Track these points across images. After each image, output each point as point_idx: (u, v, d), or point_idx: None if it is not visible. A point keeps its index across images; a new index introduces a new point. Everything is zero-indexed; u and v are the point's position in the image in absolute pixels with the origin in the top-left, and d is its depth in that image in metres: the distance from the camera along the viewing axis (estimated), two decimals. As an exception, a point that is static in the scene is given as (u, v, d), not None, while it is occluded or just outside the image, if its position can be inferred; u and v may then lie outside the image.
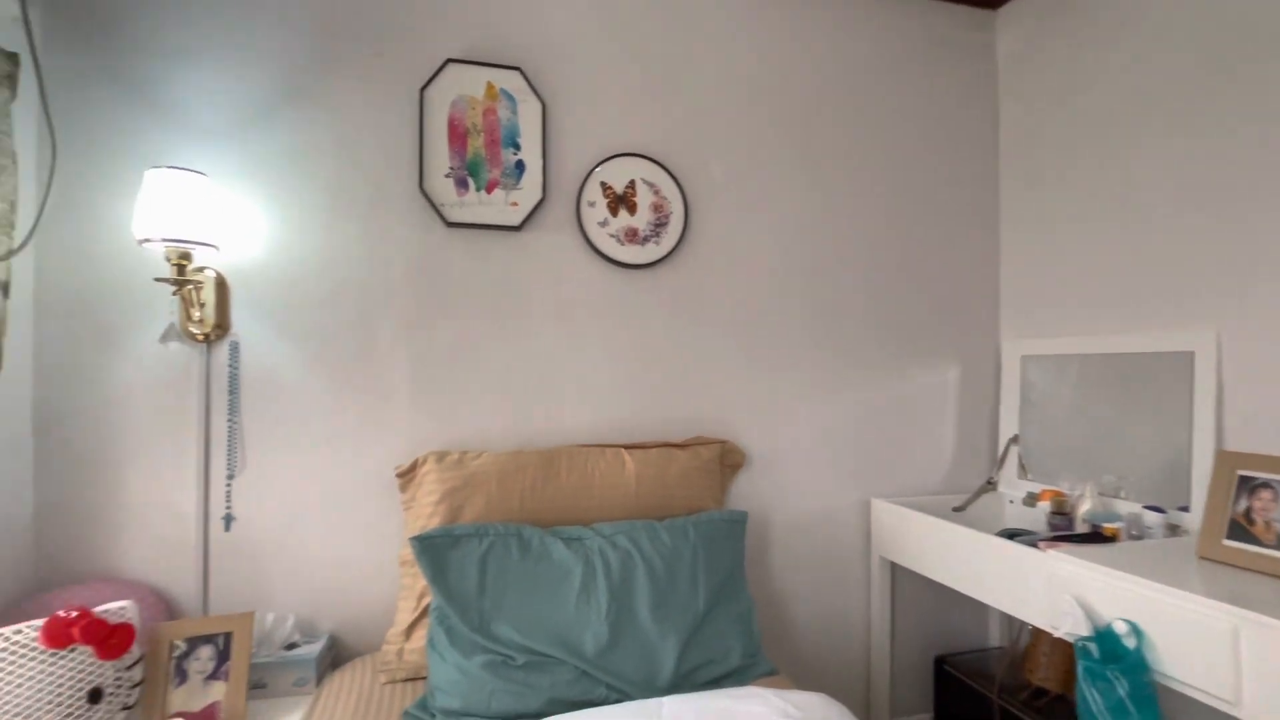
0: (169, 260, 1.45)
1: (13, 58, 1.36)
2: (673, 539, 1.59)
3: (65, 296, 1.53)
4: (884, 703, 2.04)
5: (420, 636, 1.50)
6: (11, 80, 1.36)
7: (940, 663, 2.09)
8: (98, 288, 1.54)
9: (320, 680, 1.53)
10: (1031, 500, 1.93)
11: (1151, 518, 1.60)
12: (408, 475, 1.64)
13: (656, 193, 1.89)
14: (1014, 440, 2.09)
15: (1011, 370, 2.16)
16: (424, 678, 1.46)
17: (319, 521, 1.66)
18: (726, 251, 1.97)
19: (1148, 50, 1.76)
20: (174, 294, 1.51)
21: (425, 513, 1.57)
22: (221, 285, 1.60)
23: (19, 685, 1.16)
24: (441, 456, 1.63)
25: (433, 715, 1.32)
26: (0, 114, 1.34)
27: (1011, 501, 2.05)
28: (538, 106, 1.79)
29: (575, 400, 1.84)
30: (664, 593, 1.51)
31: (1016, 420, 2.13)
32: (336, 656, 1.65)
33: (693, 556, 1.58)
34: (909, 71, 2.15)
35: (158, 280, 1.46)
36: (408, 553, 1.56)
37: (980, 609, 2.20)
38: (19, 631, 1.19)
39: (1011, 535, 1.69)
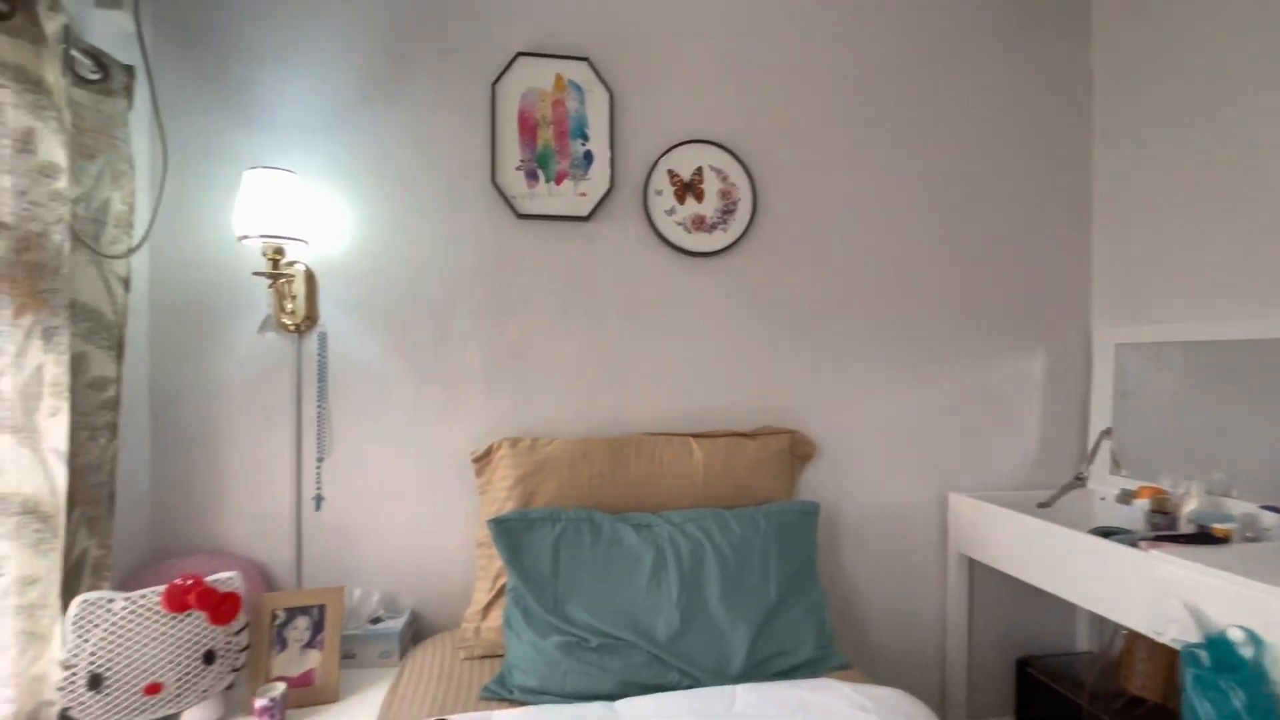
0: (265, 255, 1.54)
1: (129, 70, 1.47)
2: (743, 528, 1.58)
3: (175, 290, 1.65)
4: (961, 704, 1.97)
5: (496, 616, 1.55)
6: (128, 91, 1.47)
7: (1023, 665, 2.00)
8: (203, 282, 1.65)
9: (403, 654, 1.61)
10: (1127, 498, 1.80)
11: (1270, 518, 1.47)
12: (483, 460, 1.70)
13: (724, 179, 1.86)
14: (1106, 433, 1.96)
15: (1104, 359, 2.03)
16: (500, 656, 1.51)
17: (400, 503, 1.74)
18: (796, 237, 1.93)
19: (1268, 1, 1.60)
20: (269, 287, 1.61)
21: (500, 496, 1.62)
22: (310, 278, 1.69)
23: (145, 645, 1.27)
24: (515, 443, 1.67)
25: (510, 692, 1.37)
26: (119, 123, 1.45)
27: (1103, 499, 1.93)
28: (605, 96, 1.80)
29: (643, 388, 1.85)
30: (734, 581, 1.50)
31: (1109, 413, 1.99)
32: (417, 632, 1.73)
33: (764, 546, 1.56)
34: (992, 42, 2.03)
35: (255, 274, 1.56)
36: (484, 534, 1.62)
37: (1066, 611, 2.08)
38: (144, 596, 1.30)
39: (1106, 534, 1.59)
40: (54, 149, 1.21)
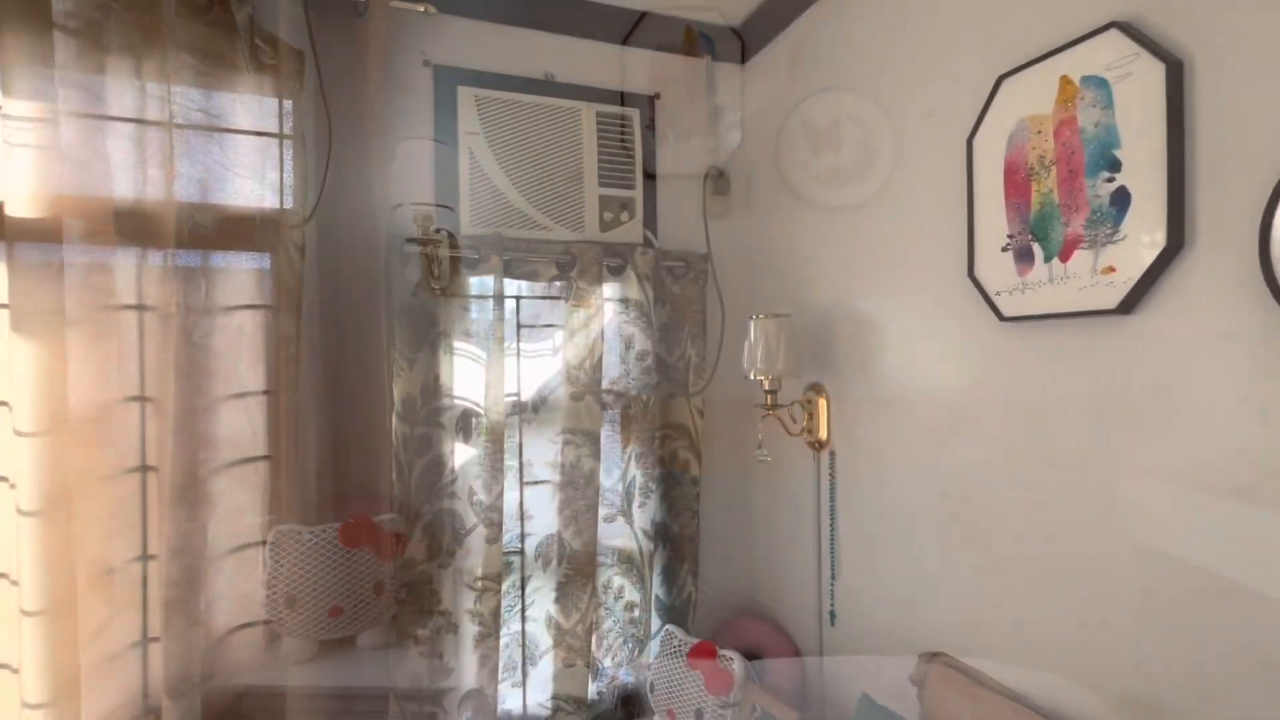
0: (415, 222, 1.64)
1: (300, 55, 1.60)
2: None
3: (339, 256, 1.79)
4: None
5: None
6: (299, 74, 1.60)
7: None
8: (363, 248, 1.79)
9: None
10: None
11: None
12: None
13: None
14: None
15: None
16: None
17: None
18: None
19: None
20: (420, 252, 1.71)
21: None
22: (453, 244, 1.78)
23: (327, 572, 1.43)
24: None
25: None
26: (293, 103, 1.59)
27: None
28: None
29: None
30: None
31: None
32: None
33: None
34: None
35: (409, 241, 1.66)
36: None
37: None
38: (325, 530, 1.46)
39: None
40: (246, 128, 1.34)
